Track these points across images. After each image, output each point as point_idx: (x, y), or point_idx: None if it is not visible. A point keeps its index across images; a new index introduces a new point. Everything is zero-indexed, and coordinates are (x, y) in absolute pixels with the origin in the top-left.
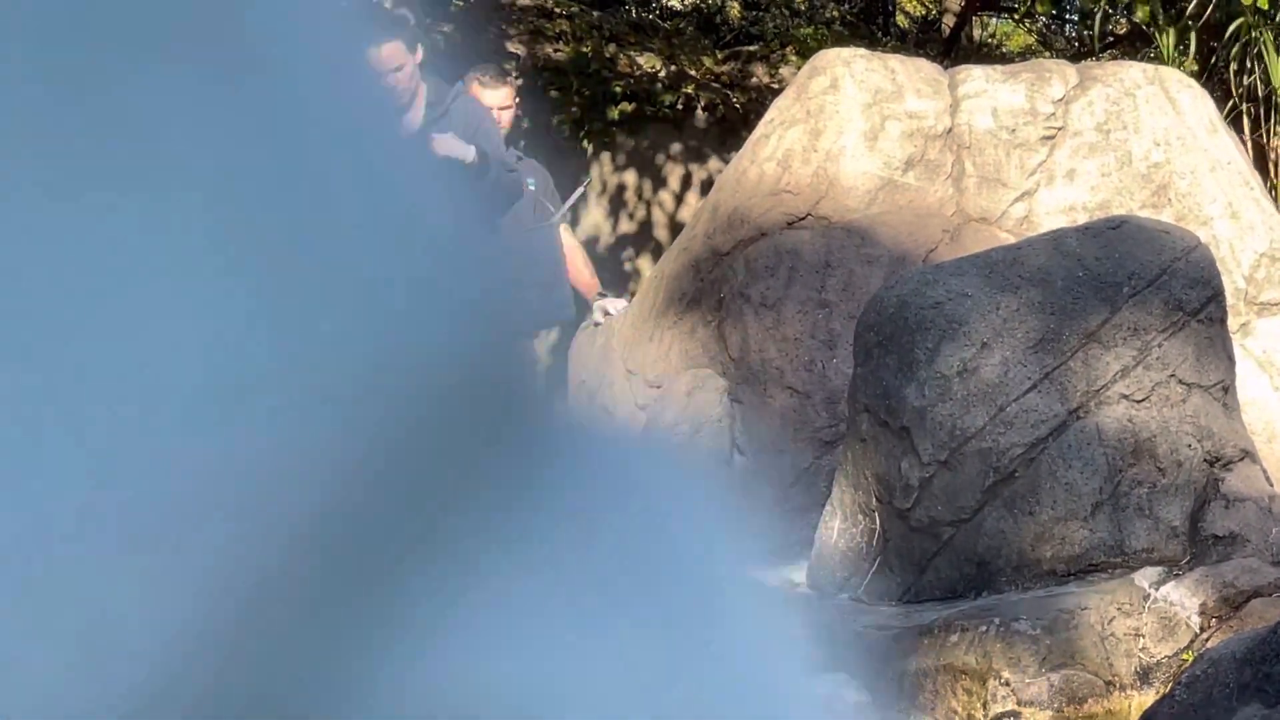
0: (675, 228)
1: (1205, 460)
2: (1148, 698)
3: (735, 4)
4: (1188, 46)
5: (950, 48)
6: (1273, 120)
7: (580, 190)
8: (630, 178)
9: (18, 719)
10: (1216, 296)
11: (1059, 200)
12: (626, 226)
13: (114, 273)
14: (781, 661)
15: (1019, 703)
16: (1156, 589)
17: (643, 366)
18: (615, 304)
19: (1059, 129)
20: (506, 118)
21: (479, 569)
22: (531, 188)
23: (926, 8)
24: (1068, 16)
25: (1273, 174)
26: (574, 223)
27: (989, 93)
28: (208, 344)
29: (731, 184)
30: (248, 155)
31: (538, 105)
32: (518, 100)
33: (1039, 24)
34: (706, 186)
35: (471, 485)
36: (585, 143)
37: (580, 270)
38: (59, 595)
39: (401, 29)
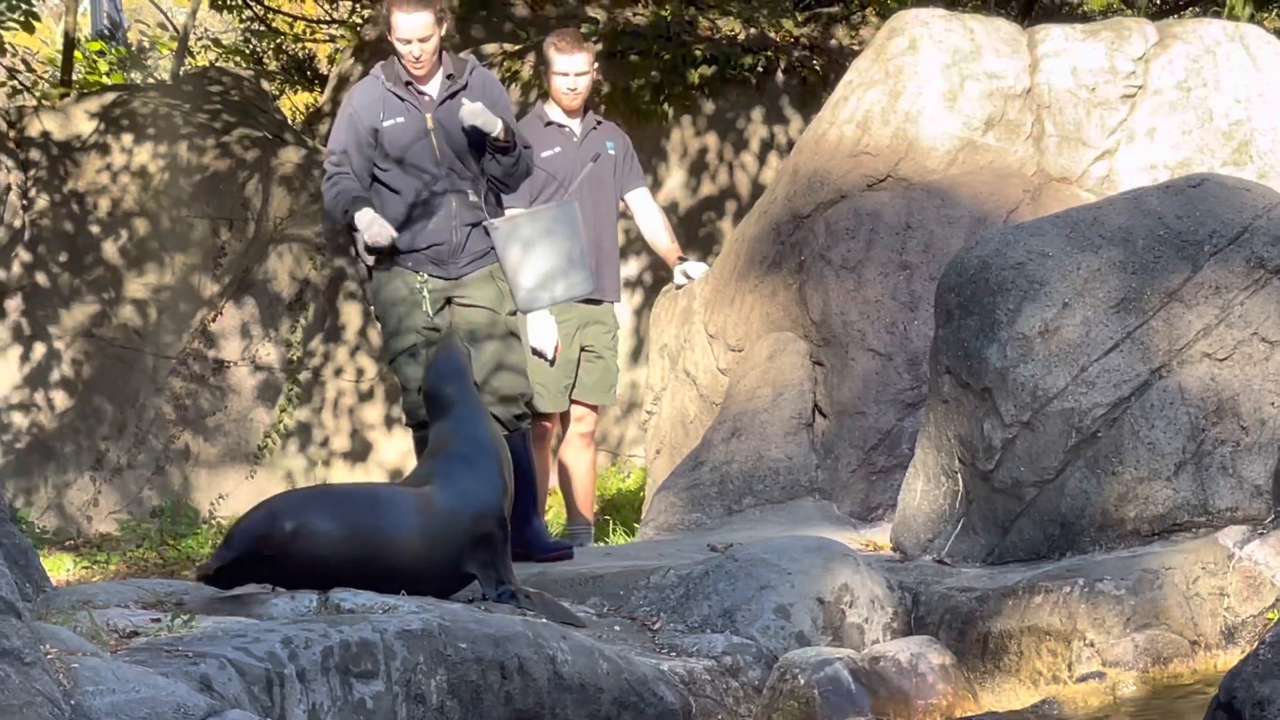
0: (757, 190)
1: None
2: (1233, 657)
3: None
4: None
5: (1030, 7)
6: None
7: (590, 165)
8: (711, 141)
9: None
10: None
11: (1140, 159)
12: (708, 189)
13: None
14: None
15: (1104, 663)
16: (1241, 548)
17: (724, 330)
18: (696, 268)
19: (1139, 87)
20: (584, 83)
21: None
22: (611, 151)
23: None
24: None
25: None
26: (655, 187)
27: (1068, 51)
28: None
29: (811, 146)
30: None
31: (617, 69)
32: (595, 65)
33: None
34: (788, 149)
35: None
36: (665, 106)
37: (660, 235)
38: None
39: (433, 1)
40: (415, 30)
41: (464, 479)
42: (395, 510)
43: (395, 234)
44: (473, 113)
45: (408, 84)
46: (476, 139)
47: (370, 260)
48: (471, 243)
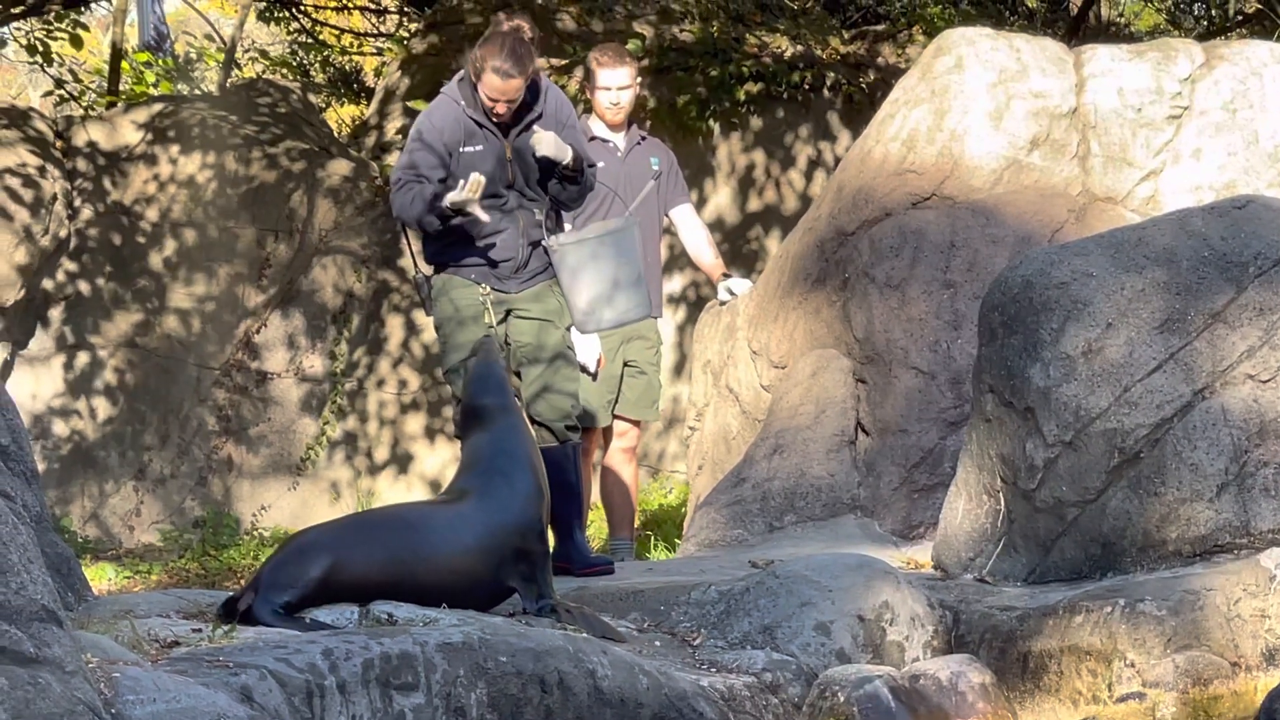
0: (802, 207)
1: None
2: (1273, 678)
3: None
4: None
5: (1078, 27)
6: None
7: (651, 183)
8: (757, 157)
9: None
10: None
11: (1185, 180)
12: (754, 205)
13: None
14: None
15: (1144, 684)
16: None
17: (767, 346)
18: (740, 284)
19: (1185, 108)
20: (627, 98)
21: None
22: (655, 167)
23: None
24: None
25: None
26: (701, 203)
27: (1115, 71)
28: None
29: (856, 164)
30: None
31: (665, 85)
32: (639, 80)
33: (1168, 2)
34: (834, 166)
35: None
36: (711, 122)
37: (704, 251)
38: None
39: (529, 65)
40: (507, 94)
41: (502, 493)
42: (432, 531)
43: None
44: (543, 142)
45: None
46: (546, 165)
47: (477, 211)
48: (533, 261)
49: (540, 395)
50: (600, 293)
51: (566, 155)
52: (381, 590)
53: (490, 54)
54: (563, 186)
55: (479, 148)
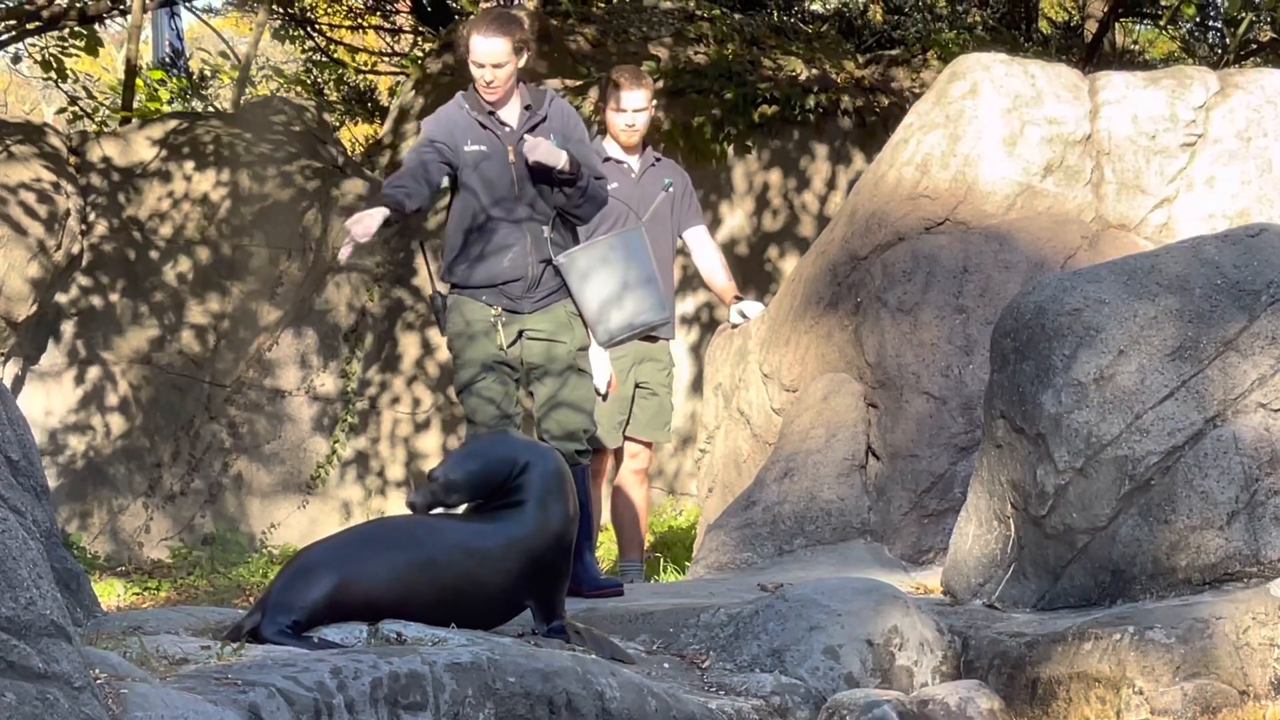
0: (817, 230)
1: None
2: None
3: (878, 8)
4: None
5: (1092, 54)
6: None
7: (661, 196)
8: (772, 179)
9: None
10: None
11: (1199, 207)
12: (769, 228)
13: None
14: None
15: (1152, 711)
16: None
17: (779, 369)
18: (752, 307)
19: (1199, 136)
20: (643, 120)
21: None
22: (670, 189)
23: (1069, 13)
24: (1211, 23)
25: None
26: (715, 225)
27: (1129, 99)
28: None
29: (870, 188)
30: None
31: (680, 107)
32: (654, 103)
33: (1182, 30)
34: (848, 189)
35: None
36: (725, 144)
37: (717, 273)
38: None
39: (513, 29)
40: (490, 55)
41: (527, 509)
42: (441, 543)
43: (362, 239)
44: (534, 147)
45: (490, 113)
46: (543, 173)
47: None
48: (546, 280)
49: (550, 412)
50: (611, 294)
51: (560, 160)
52: (390, 605)
53: (474, 23)
54: (563, 193)
55: (482, 147)
